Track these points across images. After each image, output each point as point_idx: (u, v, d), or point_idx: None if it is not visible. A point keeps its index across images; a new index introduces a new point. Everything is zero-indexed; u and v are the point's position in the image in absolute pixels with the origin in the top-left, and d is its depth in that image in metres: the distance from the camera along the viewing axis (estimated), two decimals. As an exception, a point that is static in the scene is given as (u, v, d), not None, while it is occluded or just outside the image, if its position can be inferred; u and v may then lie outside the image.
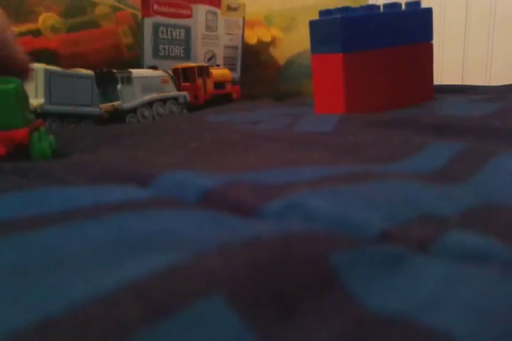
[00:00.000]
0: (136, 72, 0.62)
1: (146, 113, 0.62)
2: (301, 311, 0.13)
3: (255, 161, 0.26)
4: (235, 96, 0.82)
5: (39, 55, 0.68)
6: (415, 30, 0.60)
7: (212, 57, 0.90)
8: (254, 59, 0.98)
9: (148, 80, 0.64)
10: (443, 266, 0.15)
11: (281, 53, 1.02)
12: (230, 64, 0.93)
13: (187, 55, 0.85)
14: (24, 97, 0.33)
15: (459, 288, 0.14)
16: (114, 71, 0.59)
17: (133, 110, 0.60)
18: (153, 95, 0.63)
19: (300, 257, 0.14)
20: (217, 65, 0.88)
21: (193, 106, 0.71)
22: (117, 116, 0.59)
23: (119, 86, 0.58)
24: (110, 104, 0.58)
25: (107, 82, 0.59)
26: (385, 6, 0.58)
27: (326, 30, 0.56)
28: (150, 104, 0.63)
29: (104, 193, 0.21)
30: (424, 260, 0.15)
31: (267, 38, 1.00)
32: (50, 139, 0.36)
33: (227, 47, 0.94)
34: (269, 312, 0.13)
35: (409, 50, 0.58)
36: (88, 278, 0.13)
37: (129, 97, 0.60)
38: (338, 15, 0.55)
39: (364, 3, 0.59)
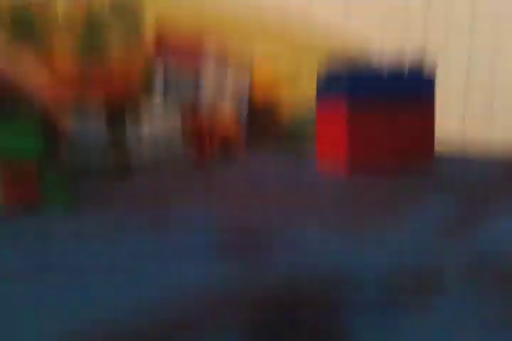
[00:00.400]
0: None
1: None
2: None
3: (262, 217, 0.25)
4: (239, 150, 0.83)
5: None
6: (417, 96, 0.61)
7: (219, 108, 0.90)
8: (259, 117, 0.99)
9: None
10: None
11: (287, 111, 1.03)
12: (235, 116, 0.94)
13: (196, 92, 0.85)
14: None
15: None
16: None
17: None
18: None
19: (306, 308, 0.14)
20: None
21: (197, 162, 0.71)
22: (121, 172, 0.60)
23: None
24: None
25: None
26: (389, 72, 0.60)
27: (333, 89, 0.57)
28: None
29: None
30: None
31: (273, 97, 1.01)
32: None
33: (234, 98, 0.94)
34: None
35: (409, 115, 0.59)
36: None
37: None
38: (346, 82, 0.57)
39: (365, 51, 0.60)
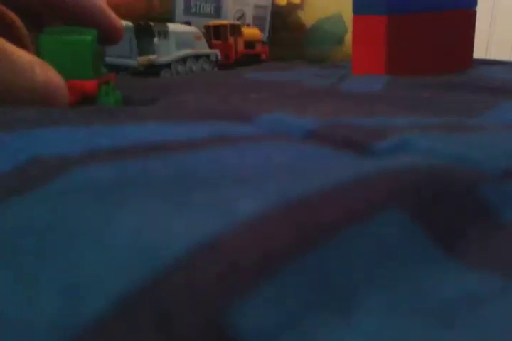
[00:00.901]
0: (172, 26, 0.61)
1: (180, 69, 0.61)
2: (466, 234, 0.13)
3: (334, 111, 0.26)
4: (263, 57, 0.81)
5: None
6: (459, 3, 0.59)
7: (242, 16, 0.88)
8: (281, 21, 0.97)
9: (183, 36, 0.62)
10: None
11: (309, 16, 1.00)
12: (258, 24, 0.92)
13: (217, 13, 0.83)
14: (99, 50, 0.33)
15: None
16: (152, 24, 0.57)
17: (167, 65, 0.59)
18: (187, 51, 0.62)
19: (452, 187, 0.14)
20: (248, 25, 0.87)
21: (222, 65, 0.70)
22: (152, 70, 0.58)
23: (156, 39, 0.57)
24: (146, 57, 0.57)
25: (142, 35, 0.58)
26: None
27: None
28: (183, 59, 0.62)
29: (212, 127, 0.21)
30: None
31: (296, 0, 0.98)
32: (117, 94, 0.35)
33: (257, 6, 0.92)
34: (447, 229, 0.13)
35: (451, 15, 0.57)
36: (272, 188, 0.13)
37: (165, 51, 0.58)
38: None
39: None
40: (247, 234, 0.11)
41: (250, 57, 0.77)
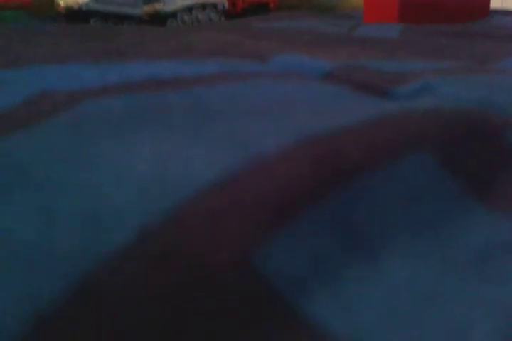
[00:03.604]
0: None
1: (186, 18, 0.60)
2: (495, 179, 0.13)
3: (351, 54, 0.24)
4: (272, 6, 0.79)
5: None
6: None
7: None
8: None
9: None
10: None
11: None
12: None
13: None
14: None
15: None
16: None
17: (173, 14, 0.57)
18: (194, 0, 0.60)
19: (478, 129, 0.14)
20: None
21: (229, 14, 0.68)
22: (158, 19, 0.56)
23: None
24: (152, 5, 0.55)
25: None
26: None
27: None
28: (190, 9, 0.60)
29: (224, 64, 0.20)
30: None
31: None
32: None
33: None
34: (476, 173, 0.12)
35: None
36: (292, 124, 0.12)
37: (172, 0, 0.57)
38: None
39: None
40: (268, 173, 0.10)
41: (258, 8, 0.75)
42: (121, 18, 0.53)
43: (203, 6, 0.63)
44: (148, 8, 0.56)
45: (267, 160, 0.11)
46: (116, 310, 0.08)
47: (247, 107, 0.14)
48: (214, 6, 0.65)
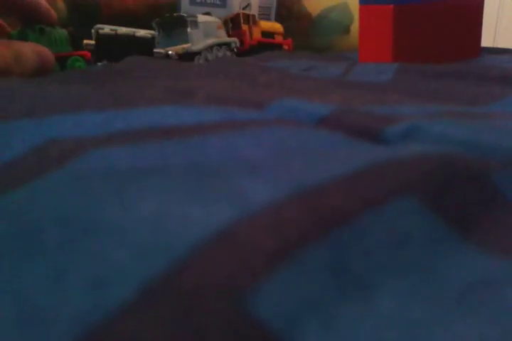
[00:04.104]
0: (200, 17, 0.64)
1: (209, 56, 0.65)
2: (481, 220, 0.13)
3: (344, 99, 0.25)
4: (286, 48, 0.82)
5: (79, 1, 0.67)
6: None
7: (247, 6, 0.88)
8: (287, 10, 0.96)
9: (208, 25, 0.66)
10: None
11: (315, 6, 0.99)
12: (264, 14, 0.91)
13: (223, 2, 0.83)
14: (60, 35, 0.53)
15: None
16: (185, 15, 0.60)
17: (198, 53, 0.62)
18: (213, 39, 0.65)
19: (463, 173, 0.14)
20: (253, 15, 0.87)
21: (239, 51, 0.71)
22: (186, 57, 0.60)
23: (189, 29, 0.60)
24: (181, 46, 0.60)
25: (173, 26, 0.61)
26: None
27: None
28: (211, 47, 0.65)
29: (224, 112, 0.21)
30: None
31: (302, -10, 0.97)
32: (81, 63, 0.53)
33: (262, -4, 0.91)
34: (461, 215, 0.13)
35: (458, 4, 0.56)
36: (285, 176, 0.13)
37: (197, 40, 0.62)
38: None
39: None
40: (262, 221, 0.11)
41: (270, 48, 0.79)
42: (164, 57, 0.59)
43: (220, 45, 0.68)
44: (177, 49, 0.60)
45: (260, 212, 0.11)
46: None
47: (243, 159, 0.15)
48: (228, 44, 0.70)
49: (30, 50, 0.45)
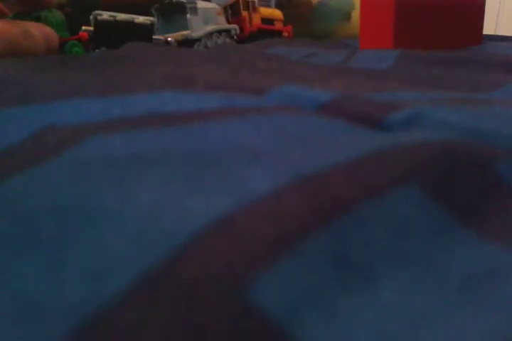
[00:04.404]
0: (199, 3, 0.63)
1: (209, 43, 0.65)
2: (484, 209, 0.13)
3: (345, 86, 0.25)
4: (286, 35, 0.82)
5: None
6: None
7: (248, -8, 0.87)
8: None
9: (208, 12, 0.65)
10: None
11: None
12: (264, 0, 0.91)
13: (223, -11, 0.82)
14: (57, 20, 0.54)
15: None
16: (184, 1, 0.60)
17: (198, 39, 0.62)
18: (212, 26, 0.65)
19: (466, 161, 0.14)
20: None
21: (239, 38, 0.71)
22: (186, 44, 0.60)
23: (188, 15, 0.60)
24: (180, 33, 0.60)
25: (172, 12, 0.61)
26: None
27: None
28: (210, 35, 0.65)
29: (224, 98, 0.21)
30: None
31: (303, -24, 0.97)
32: (80, 48, 0.54)
33: (263, -17, 0.90)
34: (464, 203, 0.13)
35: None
36: (285, 163, 0.13)
37: (197, 27, 0.61)
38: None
39: None
40: (262, 210, 0.11)
41: (270, 34, 0.78)
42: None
43: (220, 32, 0.68)
44: (176, 35, 0.60)
45: (259, 200, 0.11)
46: None
47: (243, 148, 0.15)
48: (228, 31, 0.69)
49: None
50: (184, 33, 0.60)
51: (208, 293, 0.09)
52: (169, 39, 0.59)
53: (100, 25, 0.54)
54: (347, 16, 0.94)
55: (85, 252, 0.10)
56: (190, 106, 0.19)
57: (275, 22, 0.80)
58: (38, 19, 0.50)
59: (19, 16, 0.50)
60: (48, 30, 0.48)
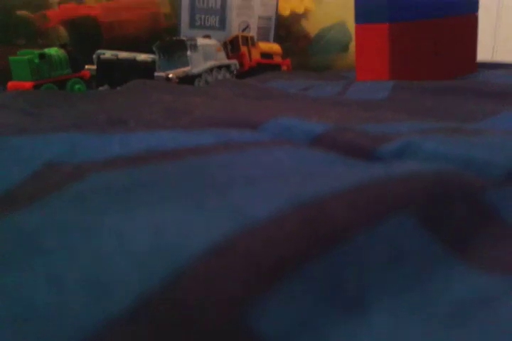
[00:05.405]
0: (199, 40, 0.64)
1: (209, 78, 0.66)
2: (474, 238, 0.14)
3: (340, 117, 0.26)
4: (285, 68, 0.83)
5: (81, 22, 0.69)
6: (460, 1, 0.59)
7: (247, 27, 0.89)
8: (286, 30, 0.98)
9: (208, 48, 0.66)
10: None
11: (313, 26, 1.01)
12: (263, 35, 0.93)
13: (222, 25, 0.84)
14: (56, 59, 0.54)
15: None
16: (185, 38, 0.61)
17: (198, 75, 0.63)
18: (212, 62, 0.66)
19: (458, 192, 0.15)
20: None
21: (238, 73, 0.72)
22: (186, 80, 0.61)
23: (189, 53, 0.61)
24: (181, 69, 0.61)
25: (173, 49, 0.63)
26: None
27: (373, 0, 0.55)
28: (211, 70, 0.66)
29: (220, 134, 0.21)
30: None
31: (299, 10, 0.99)
32: (82, 86, 0.55)
33: (261, 17, 0.93)
34: (456, 233, 0.13)
35: (453, 21, 0.57)
36: (283, 190, 0.13)
37: (197, 63, 0.63)
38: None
39: None
40: (261, 236, 0.11)
41: (269, 68, 0.80)
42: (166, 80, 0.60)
43: (220, 68, 0.69)
44: (178, 72, 0.61)
45: (259, 225, 0.12)
46: None
47: (241, 176, 0.16)
48: (228, 67, 0.71)
49: None
50: (185, 69, 0.61)
51: (206, 316, 0.09)
52: (170, 75, 0.60)
53: (103, 63, 0.55)
54: (345, 48, 0.96)
55: (87, 270, 0.10)
56: (189, 142, 0.20)
57: (274, 56, 0.82)
58: (42, 57, 0.52)
59: (25, 54, 0.51)
60: None
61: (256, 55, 0.77)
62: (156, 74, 0.58)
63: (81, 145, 0.19)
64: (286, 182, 0.15)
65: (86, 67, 0.57)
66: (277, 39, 0.95)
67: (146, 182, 0.15)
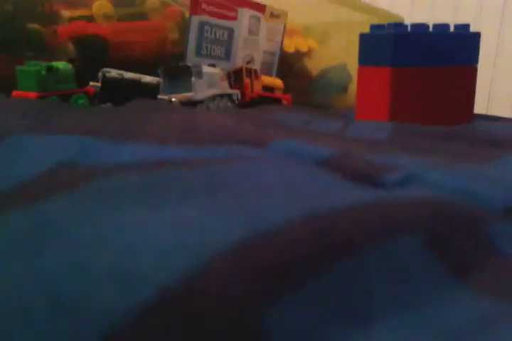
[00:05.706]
0: (205, 68, 0.66)
1: (211, 105, 0.67)
2: (475, 265, 0.14)
3: (344, 147, 0.26)
4: (285, 102, 0.85)
5: (90, 40, 0.70)
6: (461, 52, 0.61)
7: (251, 60, 0.91)
8: (288, 67, 1.00)
9: (212, 76, 0.68)
10: None
11: (315, 65, 1.03)
12: (266, 69, 0.94)
13: (227, 56, 0.86)
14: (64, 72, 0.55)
15: None
16: (190, 65, 0.63)
17: (200, 101, 0.64)
18: (215, 90, 0.68)
19: (461, 221, 0.15)
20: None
21: (239, 103, 0.73)
22: (188, 105, 0.62)
23: (193, 79, 0.63)
24: (184, 94, 0.62)
25: (178, 74, 0.64)
26: (435, 26, 0.59)
27: (378, 44, 0.57)
28: (213, 98, 0.67)
29: (230, 150, 0.21)
30: None
31: (303, 48, 1.01)
32: (85, 101, 0.56)
33: (265, 52, 0.95)
34: (457, 257, 0.13)
35: (453, 71, 0.59)
36: (298, 201, 0.14)
37: (201, 90, 0.64)
38: (392, 32, 0.56)
39: (399, 21, 0.60)
40: (276, 243, 0.11)
41: (270, 102, 0.81)
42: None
43: (222, 96, 0.70)
44: (180, 97, 0.62)
45: (275, 231, 0.12)
46: None
47: (255, 184, 0.16)
48: (230, 96, 0.72)
49: None
50: (188, 94, 0.62)
51: (223, 313, 0.09)
52: (173, 99, 0.61)
53: (108, 81, 0.56)
54: (344, 89, 0.98)
55: (113, 260, 0.10)
56: (203, 155, 0.20)
57: (275, 90, 0.84)
58: (49, 69, 0.52)
59: (33, 65, 0.52)
60: None
61: (258, 88, 0.78)
62: (159, 96, 0.59)
63: (92, 148, 0.19)
64: (300, 194, 0.15)
65: (90, 83, 0.58)
66: (280, 74, 0.96)
67: (162, 184, 0.15)
